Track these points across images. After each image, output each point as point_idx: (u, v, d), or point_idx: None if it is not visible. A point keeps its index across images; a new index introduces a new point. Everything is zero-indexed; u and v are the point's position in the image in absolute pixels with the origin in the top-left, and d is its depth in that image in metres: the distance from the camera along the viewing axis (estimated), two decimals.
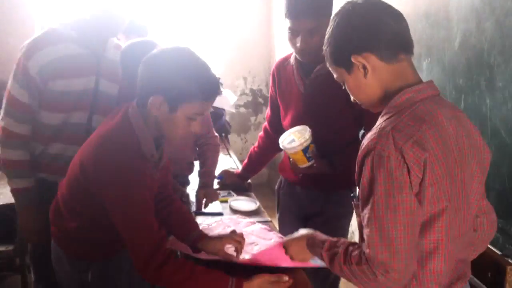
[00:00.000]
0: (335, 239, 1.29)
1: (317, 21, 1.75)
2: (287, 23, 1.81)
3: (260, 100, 5.15)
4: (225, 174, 2.48)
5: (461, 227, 1.18)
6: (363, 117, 1.87)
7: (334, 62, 1.23)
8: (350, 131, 1.97)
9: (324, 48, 1.25)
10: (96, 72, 1.93)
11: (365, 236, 1.12)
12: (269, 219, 2.11)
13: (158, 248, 1.39)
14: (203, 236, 1.63)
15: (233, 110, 4.25)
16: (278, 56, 5.08)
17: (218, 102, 3.39)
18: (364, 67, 1.16)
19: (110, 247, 1.63)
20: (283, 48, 4.53)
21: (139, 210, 1.40)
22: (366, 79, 1.18)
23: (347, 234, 2.17)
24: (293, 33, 1.81)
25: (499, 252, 1.68)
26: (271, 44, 4.90)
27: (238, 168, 2.65)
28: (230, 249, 1.62)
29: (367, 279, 1.11)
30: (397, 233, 1.06)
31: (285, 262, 1.55)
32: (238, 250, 1.59)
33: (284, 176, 2.22)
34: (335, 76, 1.27)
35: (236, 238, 1.60)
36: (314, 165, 1.83)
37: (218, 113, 3.46)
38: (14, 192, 1.91)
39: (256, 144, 2.40)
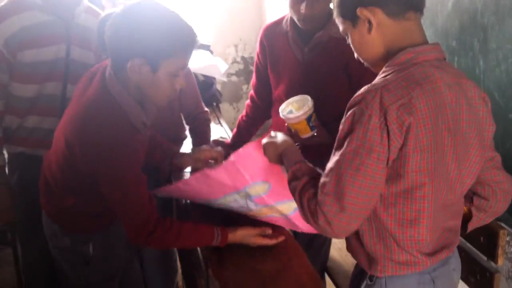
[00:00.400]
0: (306, 164, 1.27)
1: None
2: None
3: (252, 68, 5.07)
4: (215, 144, 2.45)
5: (448, 197, 1.15)
6: (359, 87, 1.82)
7: (341, 13, 1.19)
8: (347, 100, 1.93)
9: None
10: (66, 39, 1.85)
11: (321, 183, 1.10)
12: None
13: (148, 219, 1.40)
14: (177, 153, 1.67)
15: (225, 79, 4.19)
16: None
17: (208, 71, 3.34)
18: (369, 22, 1.12)
19: (110, 216, 1.61)
20: (275, 14, 4.44)
21: (132, 186, 1.38)
22: (370, 35, 1.14)
23: None
24: None
25: None
26: (262, 10, 4.79)
27: (229, 137, 2.62)
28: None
29: (309, 216, 1.12)
30: (351, 192, 1.05)
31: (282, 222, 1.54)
32: (218, 160, 1.60)
33: None
34: (340, 28, 1.22)
35: (212, 152, 1.62)
36: (315, 134, 1.79)
37: (208, 82, 3.40)
38: None
39: (243, 113, 2.34)
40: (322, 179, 1.11)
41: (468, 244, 1.66)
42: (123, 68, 1.32)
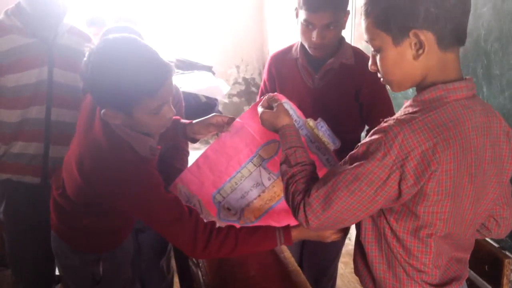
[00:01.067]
0: (301, 151, 1.25)
1: (336, 15, 1.67)
2: (302, 15, 1.70)
3: (253, 89, 5.09)
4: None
5: (459, 236, 1.13)
6: (370, 114, 1.84)
7: (382, 25, 1.04)
8: (355, 129, 1.94)
9: (365, 10, 1.07)
10: (48, 61, 1.81)
11: (315, 185, 1.10)
12: None
13: (197, 230, 1.36)
14: (187, 124, 1.63)
15: (226, 100, 4.20)
16: (271, 45, 5.03)
17: (211, 92, 3.34)
18: (419, 46, 1.02)
19: (121, 235, 1.60)
20: (276, 36, 4.47)
21: (164, 207, 1.35)
22: (414, 59, 1.04)
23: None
24: (309, 26, 1.69)
25: (496, 245, 1.64)
26: (264, 32, 4.83)
27: None
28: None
29: (290, 205, 1.16)
30: (339, 207, 1.06)
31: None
32: (229, 123, 1.55)
33: None
34: (369, 38, 1.09)
35: (223, 117, 1.58)
36: None
37: (211, 104, 3.39)
38: None
39: None
40: (317, 183, 1.10)
41: (473, 273, 1.64)
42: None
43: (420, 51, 1.03)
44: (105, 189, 1.32)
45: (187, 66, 3.19)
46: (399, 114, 1.07)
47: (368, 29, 1.08)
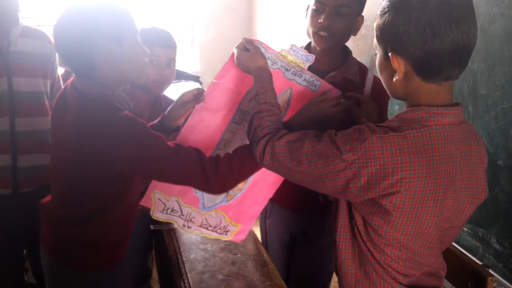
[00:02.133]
0: (272, 93, 1.29)
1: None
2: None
3: None
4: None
5: (424, 256, 1.15)
6: None
7: (377, 37, 1.09)
8: None
9: (380, 12, 1.07)
10: (5, 71, 1.75)
11: (288, 136, 1.14)
12: None
13: (200, 157, 1.32)
14: (162, 117, 1.58)
15: None
16: None
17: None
18: (395, 70, 1.05)
19: (120, 248, 1.52)
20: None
21: (159, 141, 1.30)
22: (393, 80, 1.08)
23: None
24: (319, 9, 1.60)
25: (479, 262, 1.66)
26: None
27: None
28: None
29: (250, 136, 1.25)
30: (294, 168, 1.11)
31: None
32: (199, 92, 1.52)
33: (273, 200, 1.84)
34: (374, 45, 1.13)
35: (192, 90, 1.54)
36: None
37: None
38: None
39: None
40: (291, 134, 1.15)
41: None
42: (90, 67, 1.30)
43: (396, 76, 1.06)
44: (104, 147, 1.25)
45: (175, 76, 3.19)
46: (379, 124, 1.09)
47: (375, 29, 1.10)
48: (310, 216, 1.89)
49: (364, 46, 2.48)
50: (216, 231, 1.69)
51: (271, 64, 1.49)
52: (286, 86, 1.52)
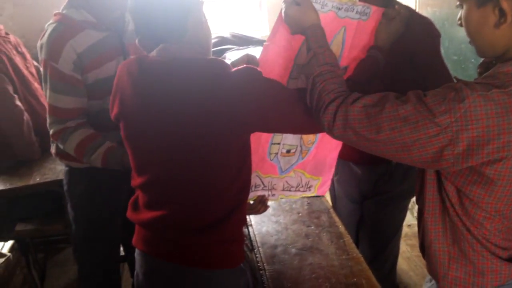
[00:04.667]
0: (330, 52, 1.16)
1: None
2: None
3: None
4: None
5: None
6: (425, 82, 1.64)
7: None
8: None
9: None
10: (121, 51, 1.77)
11: (363, 99, 1.01)
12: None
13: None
14: None
15: None
16: None
17: None
18: (503, 15, 0.92)
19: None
20: None
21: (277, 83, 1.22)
22: (495, 28, 0.95)
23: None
24: None
25: None
26: None
27: None
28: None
29: (313, 102, 1.09)
30: (372, 137, 0.99)
31: None
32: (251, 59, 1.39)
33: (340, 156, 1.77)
34: None
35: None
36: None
37: None
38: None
39: None
40: (367, 97, 1.02)
41: None
42: (182, 35, 1.19)
43: (502, 20, 0.92)
44: (232, 101, 1.09)
45: (243, 41, 3.10)
46: (474, 80, 0.96)
47: None
48: (380, 169, 1.83)
49: None
50: (299, 190, 1.65)
51: (321, 8, 1.34)
52: (340, 26, 1.40)
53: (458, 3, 1.02)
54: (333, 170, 1.66)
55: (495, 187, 0.95)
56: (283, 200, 1.89)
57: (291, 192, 1.64)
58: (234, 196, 1.19)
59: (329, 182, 1.68)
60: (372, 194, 1.88)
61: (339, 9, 1.38)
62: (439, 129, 0.91)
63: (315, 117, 1.09)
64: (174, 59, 1.17)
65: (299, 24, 1.22)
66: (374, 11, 1.40)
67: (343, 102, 1.03)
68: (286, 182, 1.61)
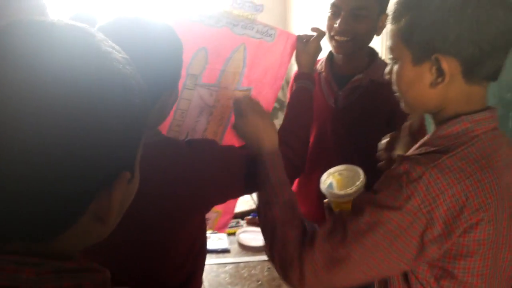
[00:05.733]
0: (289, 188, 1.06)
1: (366, 0, 1.49)
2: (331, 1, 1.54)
3: (276, 104, 4.87)
4: None
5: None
6: None
7: (404, 38, 0.92)
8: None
9: (393, 14, 0.94)
10: None
11: (320, 235, 0.91)
12: None
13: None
14: None
15: None
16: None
17: None
18: (440, 74, 0.89)
19: None
20: None
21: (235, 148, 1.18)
22: (431, 87, 0.91)
23: None
24: (335, 11, 1.52)
25: None
26: None
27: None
28: None
29: (274, 254, 0.97)
30: (349, 268, 0.88)
31: None
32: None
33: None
34: (390, 46, 0.96)
35: None
36: None
37: None
38: None
39: None
40: (322, 230, 0.92)
41: None
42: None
43: (439, 80, 0.89)
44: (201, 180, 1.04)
45: None
46: (413, 153, 0.93)
47: (391, 36, 0.96)
48: None
49: None
50: None
51: (215, 23, 1.35)
52: (238, 43, 1.41)
53: (390, 56, 0.97)
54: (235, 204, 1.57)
55: (477, 256, 0.87)
56: (241, 265, 1.73)
57: None
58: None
59: (229, 220, 1.56)
60: None
61: (235, 25, 1.39)
62: (411, 217, 0.84)
63: (281, 268, 0.96)
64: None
65: (253, 143, 1.12)
66: (280, 34, 1.42)
67: (303, 251, 0.92)
68: None
